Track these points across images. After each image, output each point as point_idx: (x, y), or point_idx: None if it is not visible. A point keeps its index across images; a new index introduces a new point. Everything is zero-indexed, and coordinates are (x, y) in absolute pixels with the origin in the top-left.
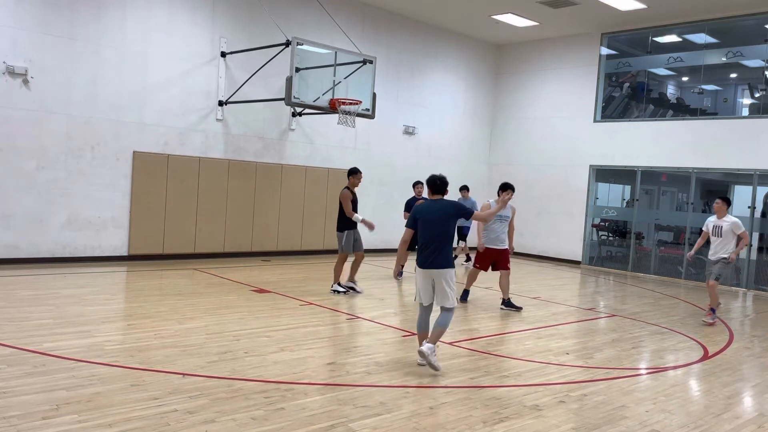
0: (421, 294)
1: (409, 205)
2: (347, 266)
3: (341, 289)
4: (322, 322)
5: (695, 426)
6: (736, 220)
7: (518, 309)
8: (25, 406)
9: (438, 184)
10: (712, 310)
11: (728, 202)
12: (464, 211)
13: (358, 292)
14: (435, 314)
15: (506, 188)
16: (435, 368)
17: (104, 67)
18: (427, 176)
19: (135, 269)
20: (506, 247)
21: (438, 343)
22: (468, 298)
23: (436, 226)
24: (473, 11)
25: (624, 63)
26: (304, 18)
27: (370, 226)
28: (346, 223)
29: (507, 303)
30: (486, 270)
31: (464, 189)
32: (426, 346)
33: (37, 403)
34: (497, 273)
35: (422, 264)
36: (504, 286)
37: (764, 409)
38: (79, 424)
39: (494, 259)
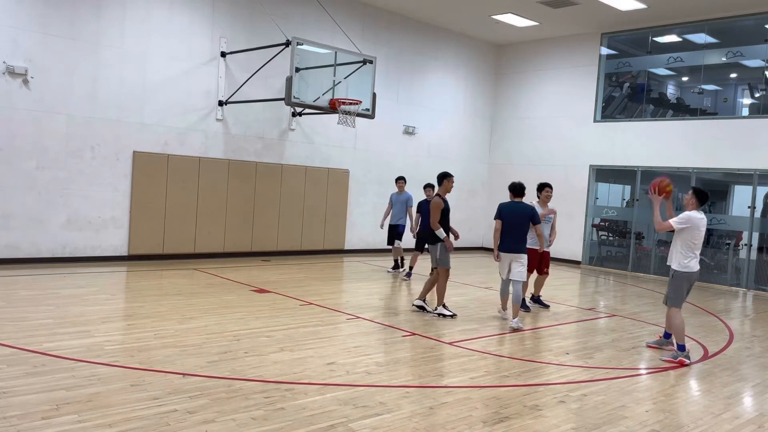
0: (502, 271)
1: (420, 206)
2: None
3: (447, 313)
4: (322, 322)
5: (695, 426)
6: (688, 215)
7: (546, 306)
8: (25, 406)
9: (518, 189)
10: (680, 347)
11: (701, 196)
12: (534, 217)
13: (429, 311)
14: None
15: (544, 187)
16: (521, 329)
17: (104, 67)
18: (426, 176)
19: (135, 269)
20: (548, 249)
21: (520, 312)
22: (529, 306)
23: (515, 222)
24: (473, 11)
25: (624, 63)
26: (304, 18)
27: (450, 247)
28: (437, 235)
29: (537, 300)
30: (532, 272)
31: (400, 180)
32: (513, 322)
33: (37, 403)
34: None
35: (504, 249)
36: (539, 284)
37: (764, 409)
38: (79, 424)
39: (539, 261)
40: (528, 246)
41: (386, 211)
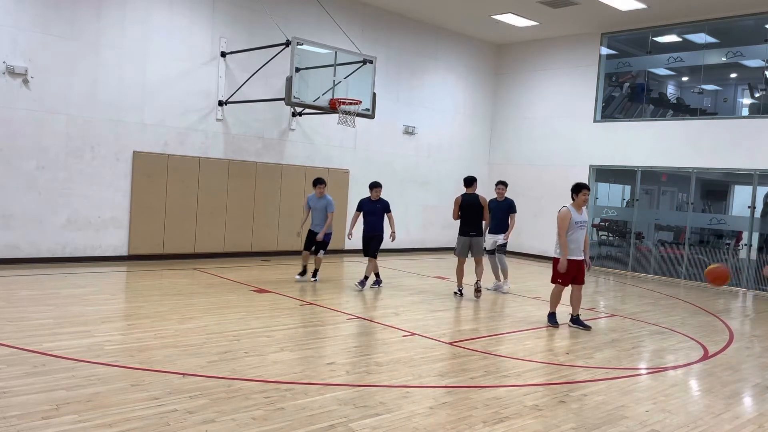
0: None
1: (361, 205)
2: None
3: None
4: (322, 322)
5: (695, 426)
6: None
7: (587, 328)
8: (25, 406)
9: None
10: None
11: None
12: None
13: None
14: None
15: (581, 188)
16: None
17: (104, 67)
18: (425, 176)
19: (135, 269)
20: (584, 258)
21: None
22: (557, 321)
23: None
24: (473, 11)
25: (624, 63)
26: (304, 18)
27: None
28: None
29: (576, 320)
30: (567, 285)
31: (319, 183)
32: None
33: (37, 403)
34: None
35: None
36: (576, 300)
37: (764, 409)
38: (79, 424)
39: (574, 272)
40: (556, 256)
41: (305, 217)
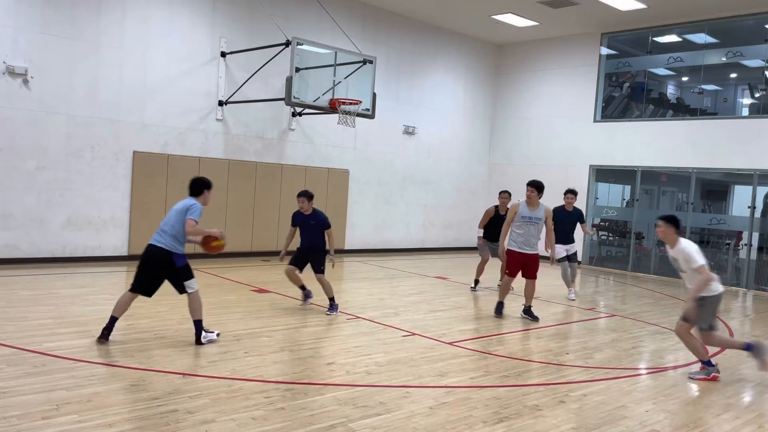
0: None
1: (294, 218)
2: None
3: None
4: (322, 322)
5: (695, 426)
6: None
7: (536, 319)
8: (25, 406)
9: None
10: (707, 363)
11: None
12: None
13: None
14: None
15: (526, 186)
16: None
17: (104, 67)
18: (425, 176)
19: (135, 269)
20: (536, 252)
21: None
22: (503, 312)
23: None
24: (473, 11)
25: (624, 63)
26: (304, 18)
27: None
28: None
29: (527, 311)
30: (515, 276)
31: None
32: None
33: (37, 403)
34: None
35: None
36: (529, 293)
37: (764, 409)
38: (79, 424)
39: (522, 264)
40: (508, 247)
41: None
